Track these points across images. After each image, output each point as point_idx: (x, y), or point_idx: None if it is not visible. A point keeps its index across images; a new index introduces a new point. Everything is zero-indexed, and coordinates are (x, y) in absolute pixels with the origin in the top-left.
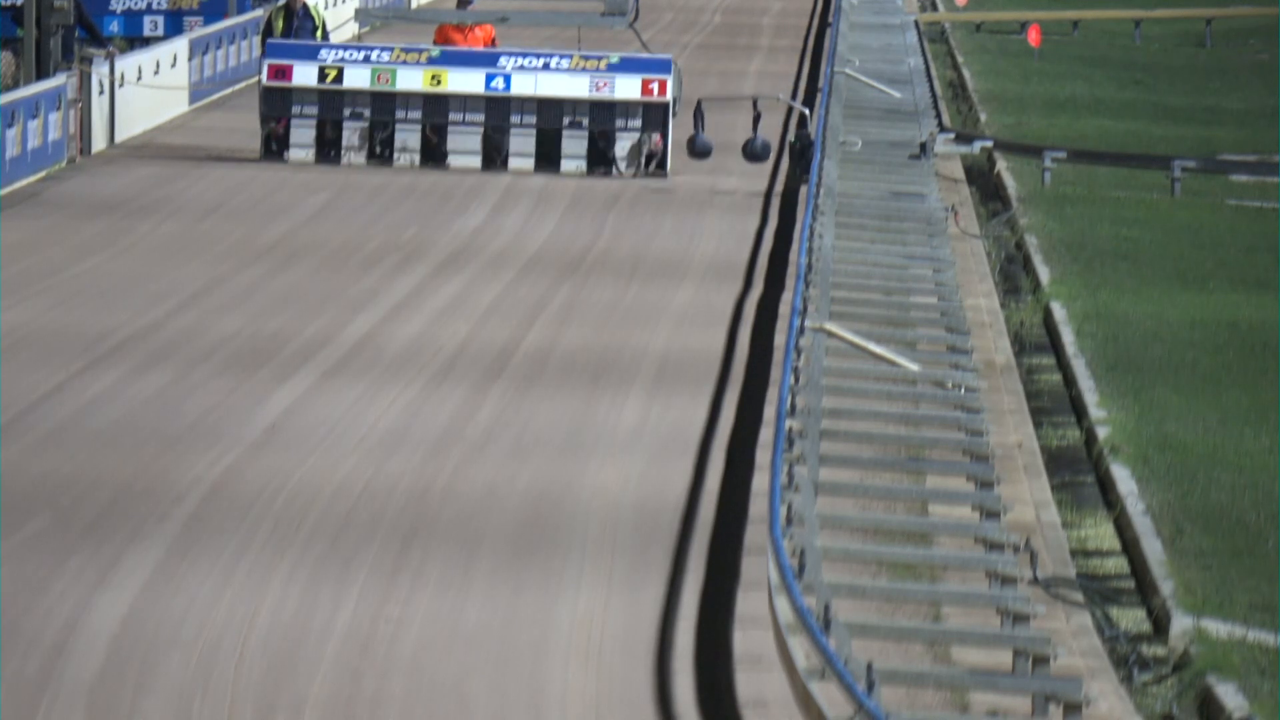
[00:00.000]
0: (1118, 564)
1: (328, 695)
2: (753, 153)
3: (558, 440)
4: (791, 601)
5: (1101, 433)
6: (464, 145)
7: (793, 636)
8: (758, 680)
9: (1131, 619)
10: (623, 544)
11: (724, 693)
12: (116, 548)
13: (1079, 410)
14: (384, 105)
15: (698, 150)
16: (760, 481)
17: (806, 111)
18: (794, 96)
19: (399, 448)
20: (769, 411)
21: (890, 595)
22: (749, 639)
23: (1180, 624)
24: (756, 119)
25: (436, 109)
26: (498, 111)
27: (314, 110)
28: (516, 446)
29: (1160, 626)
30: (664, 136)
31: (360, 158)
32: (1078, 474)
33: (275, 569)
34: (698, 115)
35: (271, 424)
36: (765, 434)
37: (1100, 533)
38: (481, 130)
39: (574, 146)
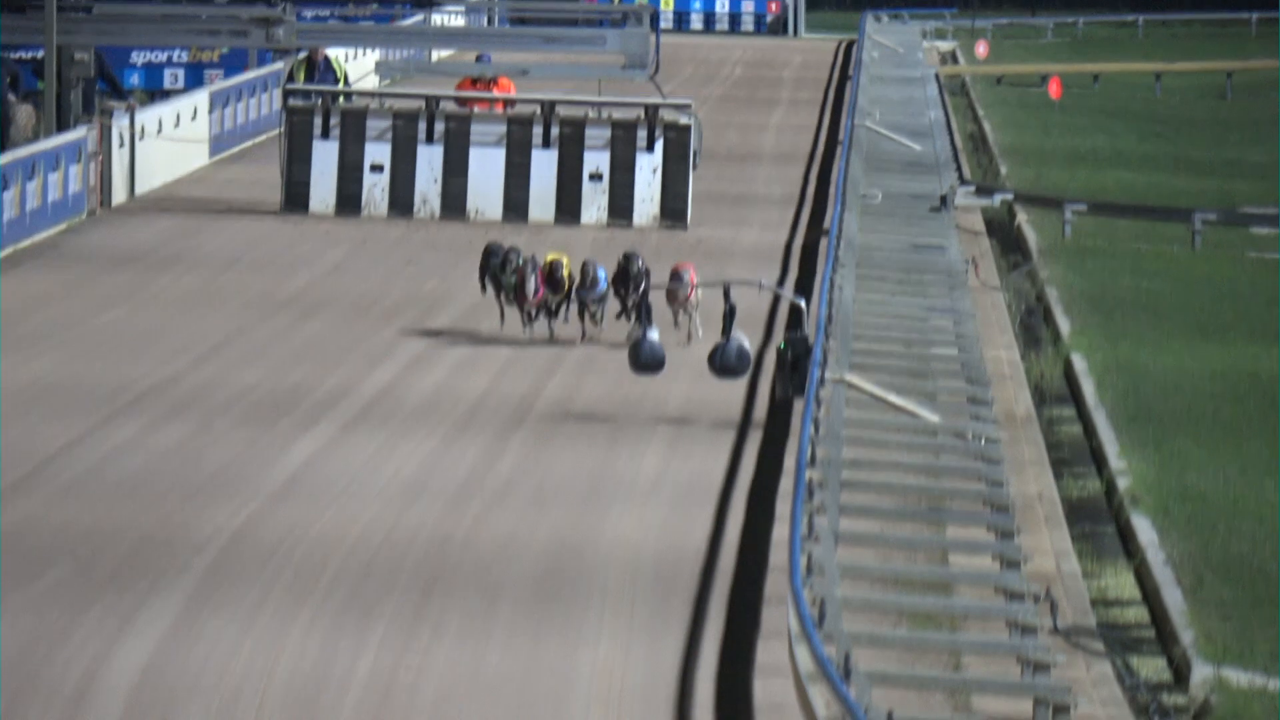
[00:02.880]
0: (1138, 613)
1: None
2: (724, 364)
3: (578, 490)
4: (812, 650)
5: (1122, 483)
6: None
7: (813, 685)
8: None
9: (1152, 668)
10: (643, 593)
11: None
12: (136, 598)
13: (1099, 461)
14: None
15: (643, 362)
16: (780, 531)
17: (802, 305)
18: (812, 154)
19: (419, 498)
20: (789, 462)
21: (910, 645)
22: (770, 688)
23: (1201, 673)
24: (729, 315)
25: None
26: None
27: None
28: (537, 496)
29: (1181, 676)
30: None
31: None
32: (1098, 524)
33: (295, 619)
34: (643, 308)
35: (292, 475)
36: (785, 484)
37: (1121, 582)
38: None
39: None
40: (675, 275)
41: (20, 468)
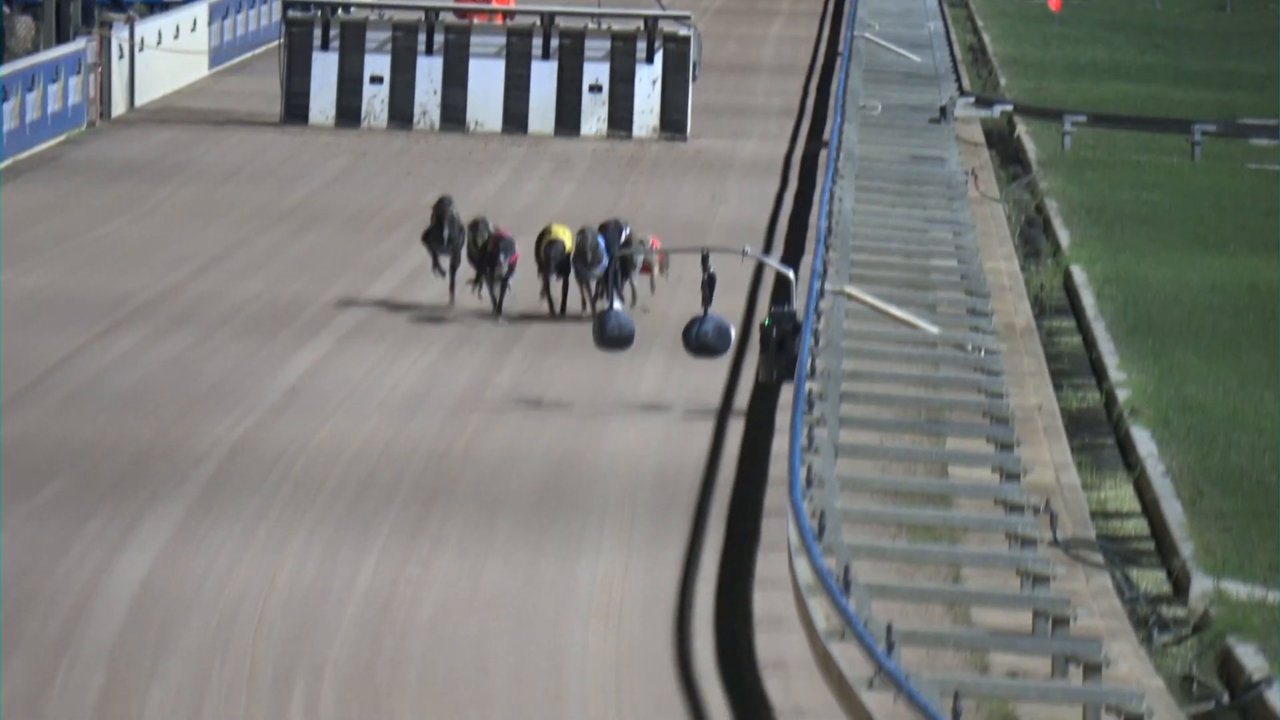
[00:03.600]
0: (1138, 526)
1: (347, 656)
2: (701, 342)
3: (578, 403)
4: (811, 563)
5: (1121, 395)
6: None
7: (812, 598)
8: (778, 641)
9: (1151, 580)
10: (642, 506)
11: (744, 654)
12: (136, 510)
13: (1099, 373)
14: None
15: (609, 336)
16: (780, 444)
17: (791, 275)
18: (811, 66)
19: (419, 410)
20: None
21: (910, 557)
22: (769, 601)
23: (1200, 585)
24: (708, 285)
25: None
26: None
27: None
28: (536, 409)
29: (1180, 588)
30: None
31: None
32: (1098, 436)
33: (295, 531)
34: (614, 276)
35: (291, 387)
36: (785, 396)
37: (1120, 494)
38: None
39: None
40: (633, 239)
41: (20, 380)
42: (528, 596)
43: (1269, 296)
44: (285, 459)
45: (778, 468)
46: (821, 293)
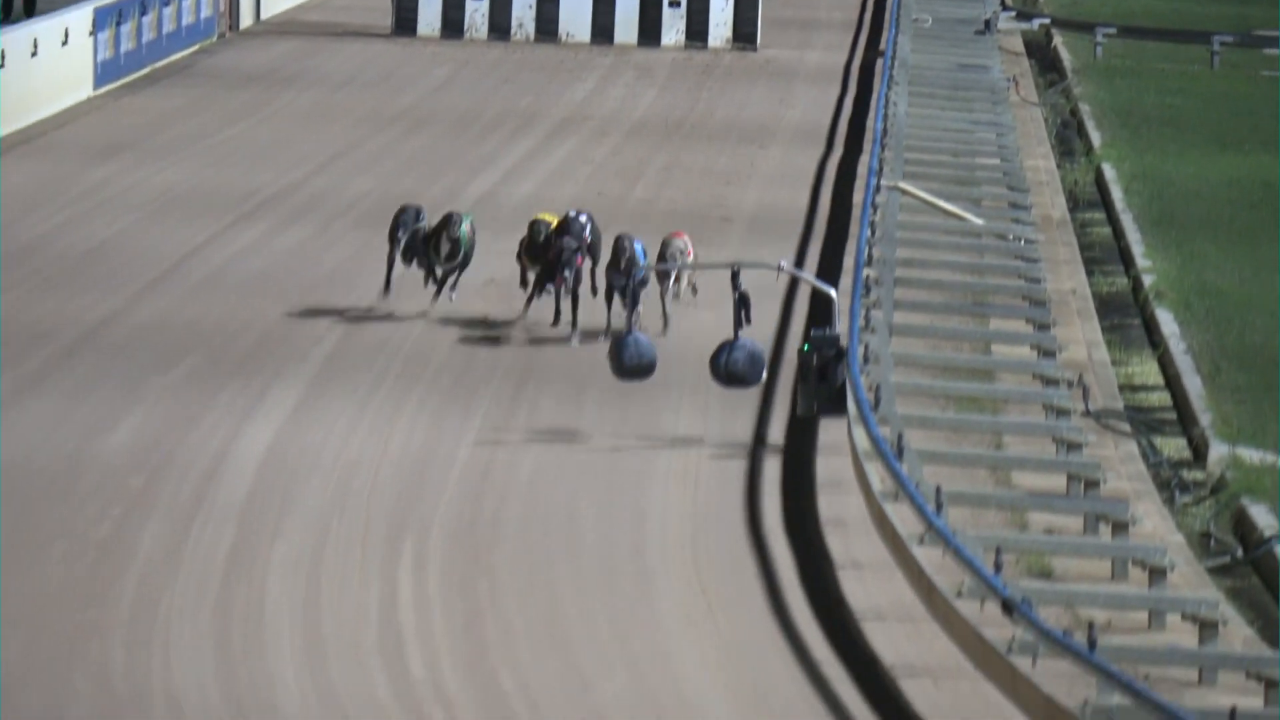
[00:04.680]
0: (1161, 398)
1: (452, 515)
2: (731, 371)
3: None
4: (868, 432)
5: (1147, 280)
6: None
7: (869, 463)
8: (838, 502)
9: (1173, 447)
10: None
11: (808, 513)
12: (262, 384)
13: (1127, 260)
14: None
15: (628, 366)
16: (840, 324)
17: (832, 293)
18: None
19: (517, 294)
20: (848, 261)
21: (957, 426)
22: (830, 466)
23: (1217, 451)
24: (740, 305)
25: None
26: None
27: None
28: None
29: (1199, 454)
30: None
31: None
32: (1126, 317)
33: (404, 404)
34: (634, 292)
35: (401, 273)
36: (844, 282)
37: (1145, 370)
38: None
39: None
40: (667, 251)
41: (158, 267)
42: (613, 461)
43: None
44: (395, 340)
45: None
46: (878, 188)
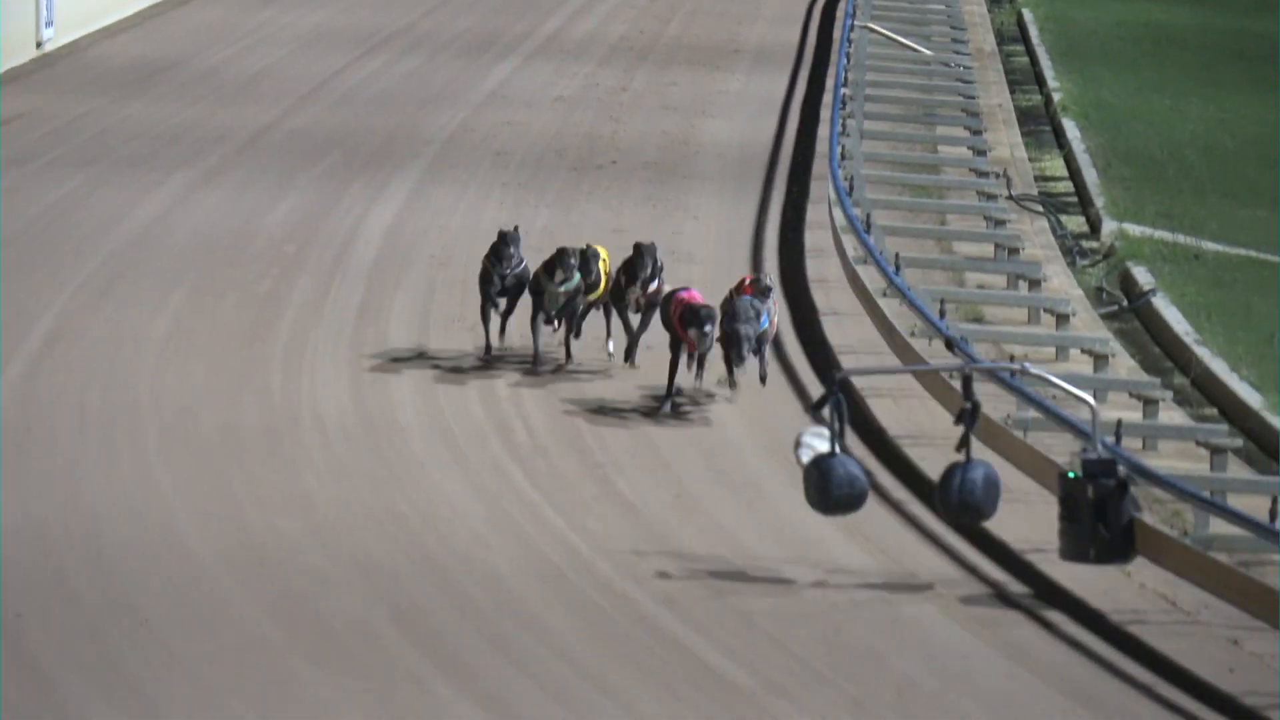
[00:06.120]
0: (1066, 186)
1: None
2: (966, 501)
3: (687, 102)
4: (844, 211)
5: (1056, 97)
6: None
7: (845, 235)
8: (821, 264)
9: (1075, 223)
10: (729, 172)
11: (798, 273)
12: (385, 176)
13: (1040, 81)
14: None
15: (837, 499)
16: (823, 130)
17: (1091, 401)
18: None
19: (577, 108)
20: (829, 83)
21: (912, 208)
22: (815, 237)
23: (1109, 226)
24: (969, 417)
25: None
26: None
27: None
28: (660, 105)
29: (1095, 228)
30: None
31: None
32: (1039, 125)
33: (493, 189)
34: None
35: (492, 91)
36: (827, 98)
37: (1054, 165)
38: None
39: None
40: (732, 312)
41: (305, 87)
42: (653, 227)
43: (1160, 30)
44: (486, 141)
45: (821, 146)
46: (852, 27)
